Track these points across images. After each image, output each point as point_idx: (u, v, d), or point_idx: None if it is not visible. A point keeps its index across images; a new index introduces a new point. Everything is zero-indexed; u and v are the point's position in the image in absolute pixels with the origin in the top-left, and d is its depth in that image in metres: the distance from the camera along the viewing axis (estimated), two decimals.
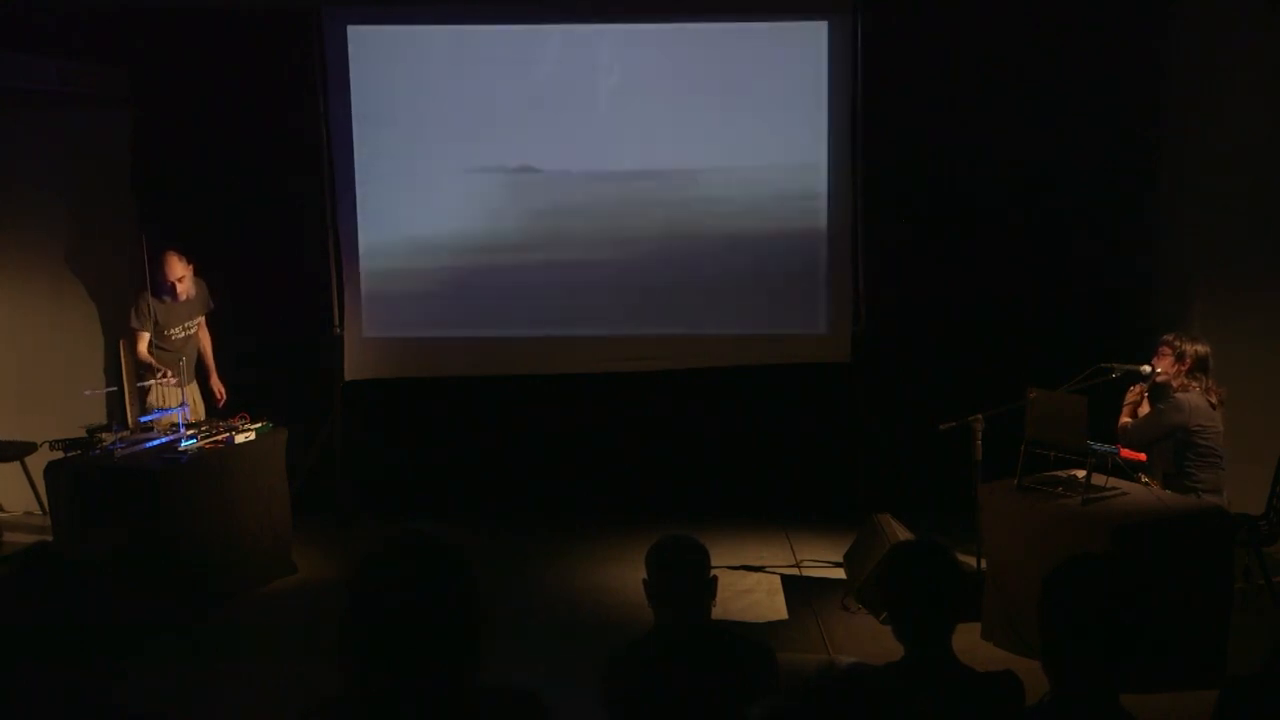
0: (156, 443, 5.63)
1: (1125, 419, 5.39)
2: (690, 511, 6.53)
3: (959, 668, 2.54)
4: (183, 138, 6.97)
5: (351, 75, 6.90)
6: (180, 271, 6.25)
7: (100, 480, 5.26)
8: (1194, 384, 5.09)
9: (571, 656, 4.56)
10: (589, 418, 7.10)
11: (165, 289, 6.23)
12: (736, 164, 6.89)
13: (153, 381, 6.15)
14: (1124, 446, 5.01)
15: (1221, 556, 4.56)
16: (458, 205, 7.02)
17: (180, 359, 6.34)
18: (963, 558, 4.97)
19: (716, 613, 2.93)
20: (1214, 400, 5.09)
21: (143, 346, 6.26)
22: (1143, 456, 5.06)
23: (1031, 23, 6.66)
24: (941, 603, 2.54)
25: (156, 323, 6.27)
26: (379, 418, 7.13)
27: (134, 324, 6.25)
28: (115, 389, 6.52)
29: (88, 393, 6.08)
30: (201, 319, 6.55)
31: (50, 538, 5.58)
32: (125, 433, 5.69)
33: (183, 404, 6.07)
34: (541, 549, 6.40)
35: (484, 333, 7.12)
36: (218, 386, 6.60)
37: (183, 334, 6.43)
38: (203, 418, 6.29)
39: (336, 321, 7.00)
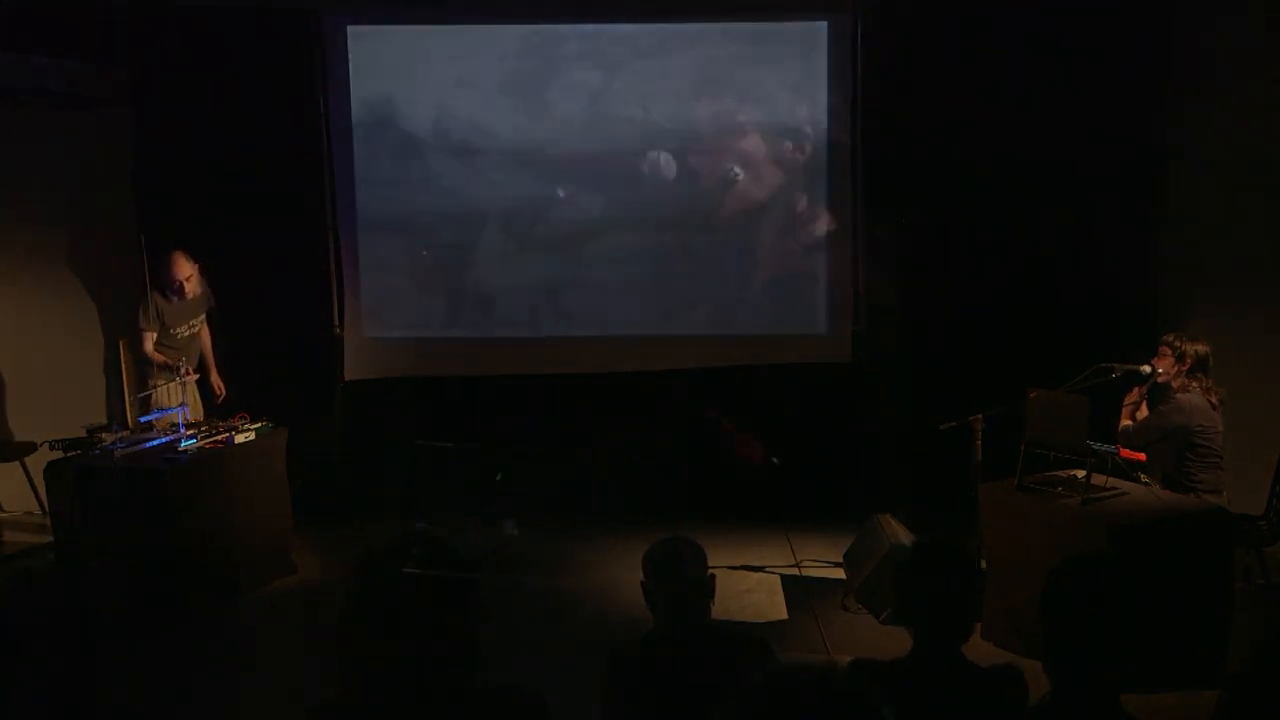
0: (156, 443, 5.63)
1: (1125, 421, 5.38)
2: (690, 511, 6.53)
3: (964, 663, 2.54)
4: (183, 138, 6.96)
5: (351, 75, 6.91)
6: (188, 271, 6.27)
7: (100, 480, 5.26)
8: (1194, 384, 5.09)
9: (571, 656, 4.56)
10: (589, 418, 7.10)
11: (173, 288, 6.25)
12: (736, 164, 6.89)
13: (165, 382, 6.16)
14: (1125, 448, 5.01)
15: (1221, 556, 4.56)
16: (458, 205, 7.02)
17: (184, 356, 6.36)
18: None
19: (716, 612, 2.93)
20: (1214, 400, 5.09)
21: (149, 345, 6.27)
22: (1143, 456, 5.06)
23: (1032, 23, 6.65)
24: (965, 605, 2.55)
25: (163, 322, 6.29)
26: (379, 418, 7.13)
27: (141, 323, 6.27)
28: (145, 393, 6.50)
29: (145, 393, 6.15)
30: (204, 316, 6.57)
31: (50, 538, 5.58)
32: (125, 433, 5.70)
33: (183, 404, 6.07)
34: (541, 549, 6.40)
35: (484, 333, 7.12)
36: (217, 383, 6.62)
37: (187, 332, 6.44)
38: (201, 414, 6.30)
39: (336, 321, 7.00)
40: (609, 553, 6.20)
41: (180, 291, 6.28)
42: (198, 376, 6.43)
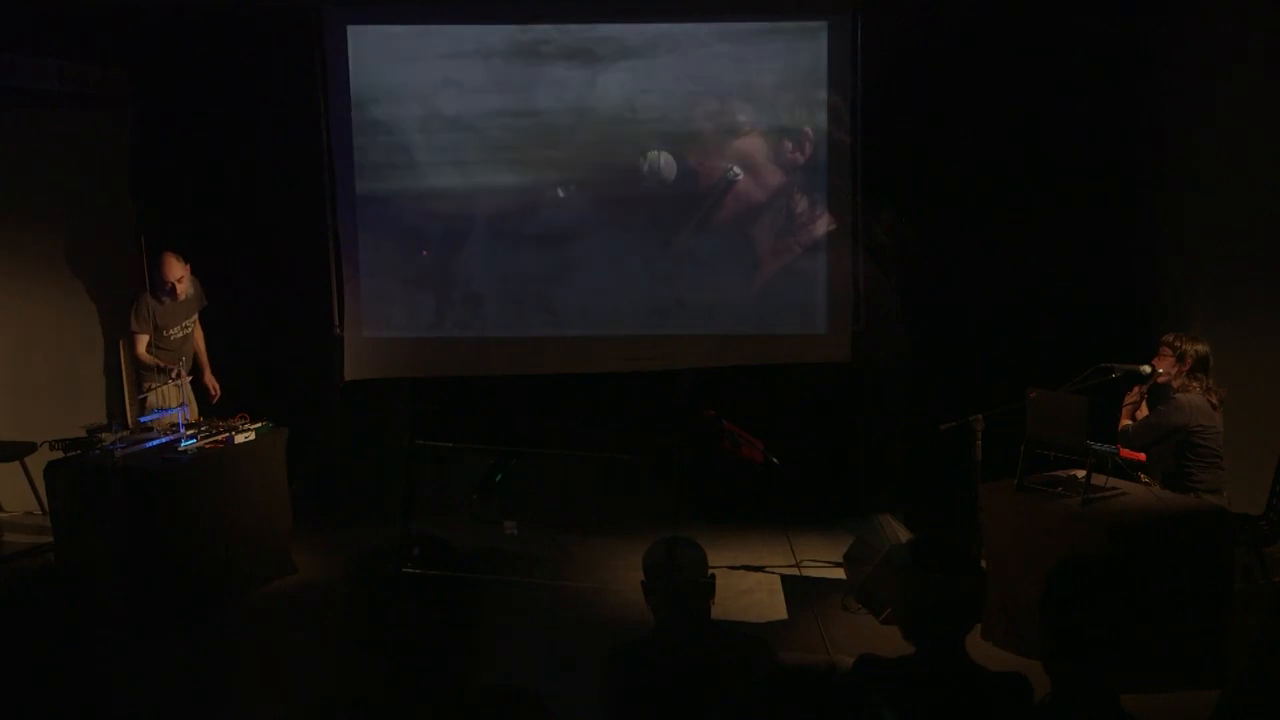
0: (156, 443, 5.62)
1: (1125, 421, 5.38)
2: (690, 511, 6.52)
3: (969, 665, 2.54)
4: (183, 138, 6.97)
5: (351, 74, 6.90)
6: (179, 272, 6.26)
7: (100, 480, 5.25)
8: (1194, 384, 5.09)
9: (571, 656, 4.56)
10: (589, 418, 7.10)
11: (165, 290, 6.24)
12: (735, 164, 6.90)
13: (158, 385, 6.16)
14: (1125, 448, 5.01)
15: (1221, 556, 4.56)
16: (457, 204, 7.02)
17: (180, 358, 6.36)
18: None
19: (716, 612, 2.93)
20: (1214, 400, 5.09)
21: (141, 348, 6.27)
22: (1143, 456, 5.06)
23: (1032, 24, 6.65)
24: (969, 604, 2.55)
25: (155, 324, 6.28)
26: (379, 418, 7.12)
27: (133, 326, 6.26)
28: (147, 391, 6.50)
29: (141, 395, 6.20)
30: (196, 317, 6.56)
31: (50, 538, 5.58)
32: (125, 433, 5.69)
33: (182, 404, 6.07)
34: (541, 549, 6.39)
35: (484, 333, 7.12)
36: (211, 383, 6.61)
37: (181, 333, 6.43)
38: (197, 414, 6.30)
39: (336, 321, 7.00)
40: (609, 553, 6.20)
41: (172, 293, 6.27)
42: (190, 379, 6.43)
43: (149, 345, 6.30)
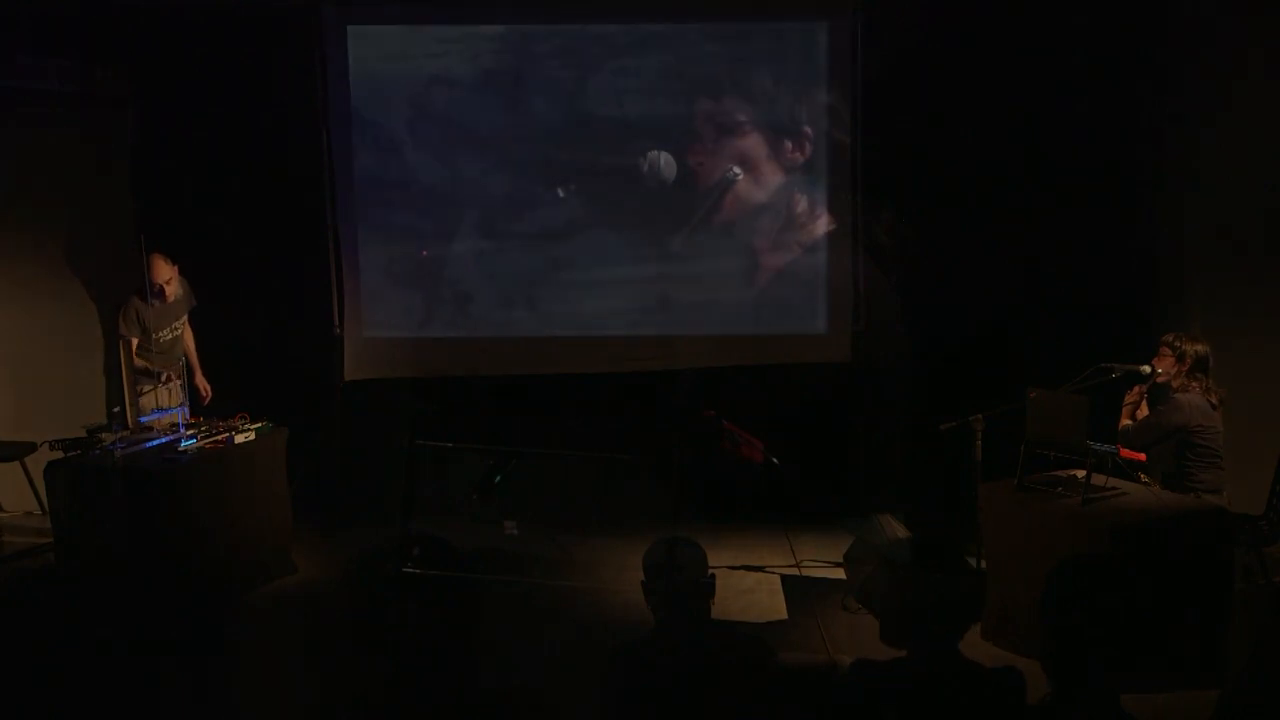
0: (156, 443, 5.62)
1: (1125, 421, 5.38)
2: (690, 511, 6.52)
3: (964, 663, 2.54)
4: (183, 138, 6.96)
5: (351, 74, 6.91)
6: (167, 274, 6.25)
7: (100, 480, 5.26)
8: (1194, 384, 5.09)
9: (572, 657, 4.56)
10: (589, 418, 7.09)
11: (154, 292, 6.23)
12: (735, 164, 6.90)
13: (150, 389, 6.15)
14: (1125, 448, 5.01)
15: (1221, 556, 4.56)
16: (457, 205, 7.02)
17: (171, 360, 6.35)
18: None
19: (716, 612, 2.93)
20: (1214, 400, 5.09)
21: (131, 351, 6.25)
22: (1143, 456, 5.06)
23: (1031, 23, 6.65)
24: (959, 603, 2.54)
25: (144, 327, 6.27)
26: (379, 418, 7.12)
27: (122, 330, 6.25)
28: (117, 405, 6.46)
29: (133, 398, 6.15)
30: (185, 318, 6.55)
31: (50, 538, 5.58)
32: (125, 433, 5.69)
33: (183, 404, 6.07)
34: (541, 549, 6.40)
35: (484, 333, 7.12)
36: (203, 384, 6.60)
37: (170, 335, 6.43)
38: (188, 416, 6.29)
39: (336, 321, 7.00)
40: (609, 553, 6.20)
41: (161, 295, 6.26)
42: (181, 381, 6.42)
43: (138, 348, 6.28)
